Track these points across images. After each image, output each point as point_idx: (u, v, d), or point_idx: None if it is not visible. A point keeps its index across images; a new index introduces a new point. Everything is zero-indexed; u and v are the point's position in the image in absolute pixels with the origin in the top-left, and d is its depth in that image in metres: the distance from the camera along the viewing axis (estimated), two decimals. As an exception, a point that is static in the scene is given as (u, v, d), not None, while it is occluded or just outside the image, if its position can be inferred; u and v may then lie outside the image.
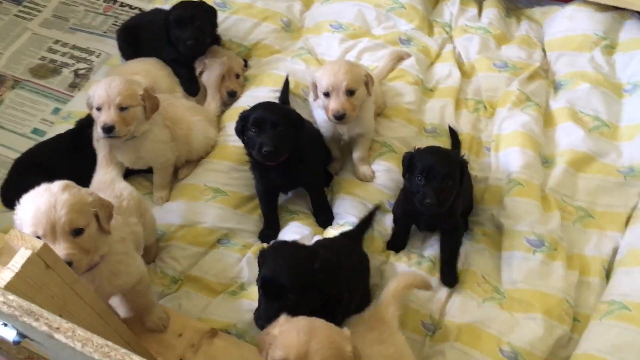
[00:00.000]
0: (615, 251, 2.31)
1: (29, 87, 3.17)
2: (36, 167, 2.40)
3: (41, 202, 1.61)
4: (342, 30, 3.07)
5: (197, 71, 2.89)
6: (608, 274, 2.26)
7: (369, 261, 2.20)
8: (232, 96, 2.86)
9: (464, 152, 2.58)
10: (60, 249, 1.58)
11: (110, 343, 1.04)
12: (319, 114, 2.50)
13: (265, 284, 1.70)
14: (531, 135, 2.57)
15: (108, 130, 2.25)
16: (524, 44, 3.01)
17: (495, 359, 2.02)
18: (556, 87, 2.86)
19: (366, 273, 2.17)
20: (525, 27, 3.11)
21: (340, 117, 2.31)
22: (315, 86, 2.40)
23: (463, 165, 2.10)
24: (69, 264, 1.57)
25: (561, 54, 2.91)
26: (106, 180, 2.14)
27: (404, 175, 2.14)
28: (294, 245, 1.90)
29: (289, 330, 1.43)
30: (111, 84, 2.29)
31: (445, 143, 2.63)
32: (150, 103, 2.35)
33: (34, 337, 1.15)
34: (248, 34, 3.12)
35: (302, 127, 2.28)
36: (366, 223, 2.37)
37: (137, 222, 2.05)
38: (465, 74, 2.96)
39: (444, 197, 2.03)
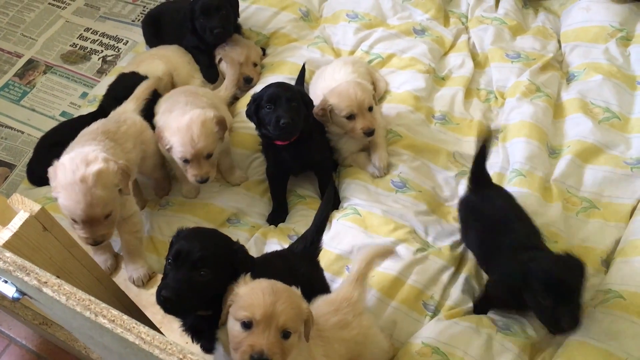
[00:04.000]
0: (617, 242, 2.30)
1: (60, 72, 3.34)
2: (58, 145, 2.52)
3: (80, 197, 1.86)
4: (358, 20, 3.13)
5: (217, 58, 3.00)
6: (608, 265, 2.25)
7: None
8: (248, 82, 2.95)
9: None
10: (95, 233, 1.92)
11: (92, 298, 1.13)
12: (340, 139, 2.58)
13: (179, 254, 1.55)
14: (538, 126, 2.58)
15: (205, 181, 2.31)
16: (540, 35, 3.02)
17: (490, 327, 2.05)
18: (569, 78, 2.85)
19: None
20: (542, 18, 3.12)
21: (371, 133, 2.44)
22: (330, 111, 2.45)
23: (584, 268, 1.79)
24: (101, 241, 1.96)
25: (576, 45, 2.91)
26: (118, 111, 2.42)
27: (518, 288, 1.81)
28: (213, 229, 1.80)
29: (253, 290, 1.44)
30: (194, 134, 2.22)
31: (453, 130, 2.68)
32: (223, 128, 2.36)
33: (28, 292, 1.26)
34: (267, 23, 3.21)
35: (311, 105, 2.40)
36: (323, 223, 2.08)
37: (131, 149, 2.24)
38: (479, 64, 2.99)
39: (578, 314, 1.73)
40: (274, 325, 1.40)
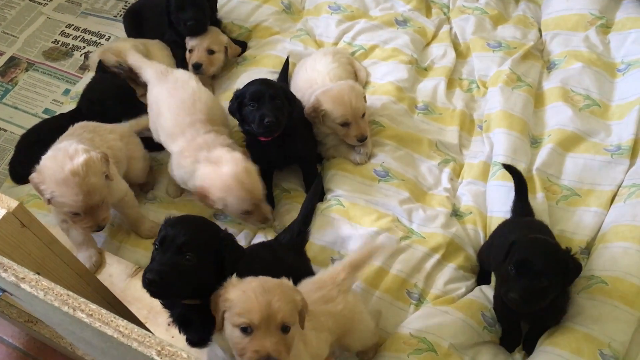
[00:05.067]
0: (598, 228, 2.32)
1: (42, 69, 3.31)
2: (39, 143, 2.50)
3: (77, 189, 1.92)
4: (340, 12, 3.12)
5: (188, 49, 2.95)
6: (589, 253, 2.27)
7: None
8: (197, 68, 2.86)
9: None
10: (100, 218, 2.04)
11: (70, 292, 1.13)
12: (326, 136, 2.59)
13: (165, 239, 1.57)
14: (519, 117, 2.59)
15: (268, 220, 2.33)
16: (520, 23, 3.03)
17: (478, 322, 2.09)
18: (550, 66, 2.87)
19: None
20: (523, 7, 3.14)
21: (364, 139, 2.47)
22: (323, 115, 2.46)
23: (569, 264, 1.79)
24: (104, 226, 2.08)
25: (556, 34, 2.92)
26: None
27: (503, 261, 1.84)
28: (200, 217, 1.80)
29: (245, 293, 1.44)
30: (247, 185, 2.18)
31: (435, 120, 2.70)
32: None
33: (7, 289, 1.25)
34: (249, 16, 3.19)
35: (294, 102, 2.40)
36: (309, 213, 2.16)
37: (116, 138, 2.36)
38: (461, 54, 3.00)
39: (532, 296, 1.75)
40: (273, 325, 1.41)
